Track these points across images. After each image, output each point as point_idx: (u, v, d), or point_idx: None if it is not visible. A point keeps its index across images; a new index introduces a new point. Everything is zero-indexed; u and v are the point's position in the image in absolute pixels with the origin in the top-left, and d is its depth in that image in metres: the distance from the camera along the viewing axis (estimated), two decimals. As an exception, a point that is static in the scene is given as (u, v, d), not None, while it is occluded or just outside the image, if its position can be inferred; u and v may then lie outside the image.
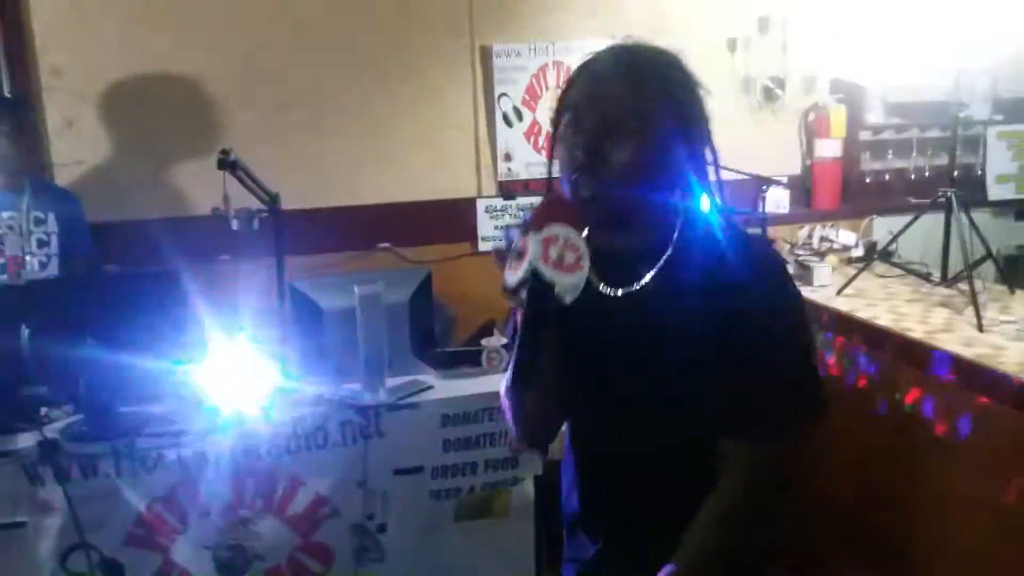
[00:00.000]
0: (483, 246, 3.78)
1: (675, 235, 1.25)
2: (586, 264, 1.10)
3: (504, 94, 3.72)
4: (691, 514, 1.25)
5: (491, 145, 3.76)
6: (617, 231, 1.25)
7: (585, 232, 1.13)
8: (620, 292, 1.27)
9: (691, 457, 1.27)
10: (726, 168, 3.64)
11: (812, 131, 4.05)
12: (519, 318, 1.15)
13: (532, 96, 3.75)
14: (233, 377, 2.37)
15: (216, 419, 2.32)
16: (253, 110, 3.44)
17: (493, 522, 2.60)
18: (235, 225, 2.27)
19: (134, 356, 2.23)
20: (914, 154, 4.09)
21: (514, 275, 1.11)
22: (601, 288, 1.27)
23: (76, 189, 3.31)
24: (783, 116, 4.03)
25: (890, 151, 4.08)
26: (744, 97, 3.96)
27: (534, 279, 1.09)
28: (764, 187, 3.81)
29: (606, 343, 1.29)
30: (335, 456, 2.39)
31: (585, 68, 1.25)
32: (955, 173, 3.20)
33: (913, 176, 4.10)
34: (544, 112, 3.76)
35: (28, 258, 2.90)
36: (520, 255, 1.10)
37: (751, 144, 3.92)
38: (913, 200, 3.80)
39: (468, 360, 2.65)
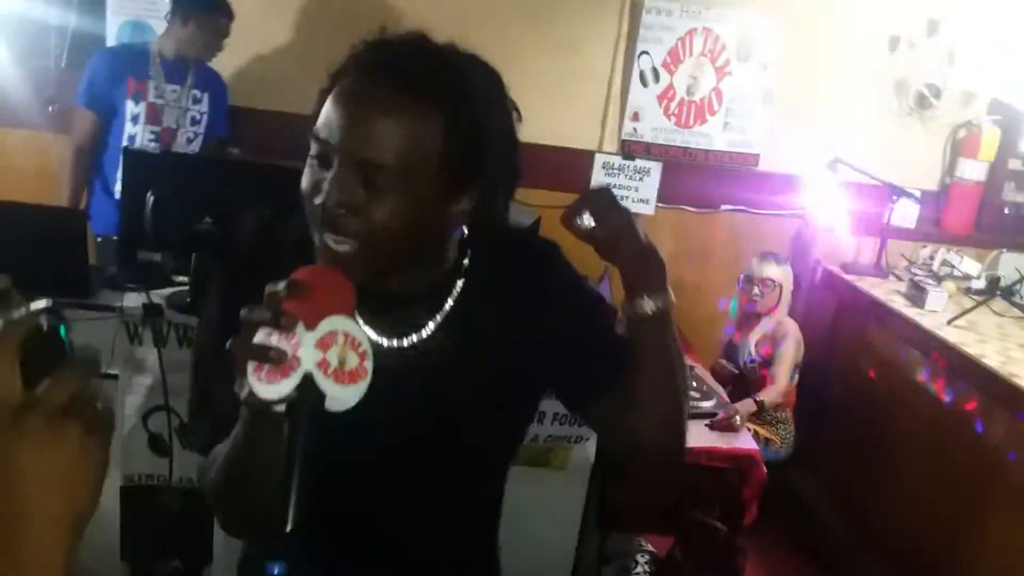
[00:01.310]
0: (592, 201, 3.73)
1: (460, 268, 1.06)
2: (370, 365, 0.84)
3: (645, 52, 3.63)
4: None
5: (621, 102, 3.69)
6: (385, 278, 1.00)
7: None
8: (402, 343, 1.03)
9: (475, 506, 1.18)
10: (861, 171, 3.41)
11: (959, 148, 3.83)
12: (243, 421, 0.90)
13: (674, 59, 3.65)
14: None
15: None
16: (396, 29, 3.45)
17: (549, 473, 2.62)
18: (152, 94, 2.31)
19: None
20: (1064, 195, 3.83)
21: (272, 387, 0.82)
22: (376, 340, 1.02)
23: (219, 68, 3.42)
24: (932, 127, 3.82)
25: (1038, 186, 3.83)
26: (895, 100, 3.77)
27: (301, 391, 0.81)
28: (894, 197, 3.64)
29: (388, 404, 0.95)
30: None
31: (348, 72, 0.94)
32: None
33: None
34: (682, 77, 3.66)
35: (180, 131, 3.07)
36: (279, 360, 0.81)
37: (891, 150, 3.77)
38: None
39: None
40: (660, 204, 3.78)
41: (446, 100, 0.93)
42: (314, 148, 0.94)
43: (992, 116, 3.74)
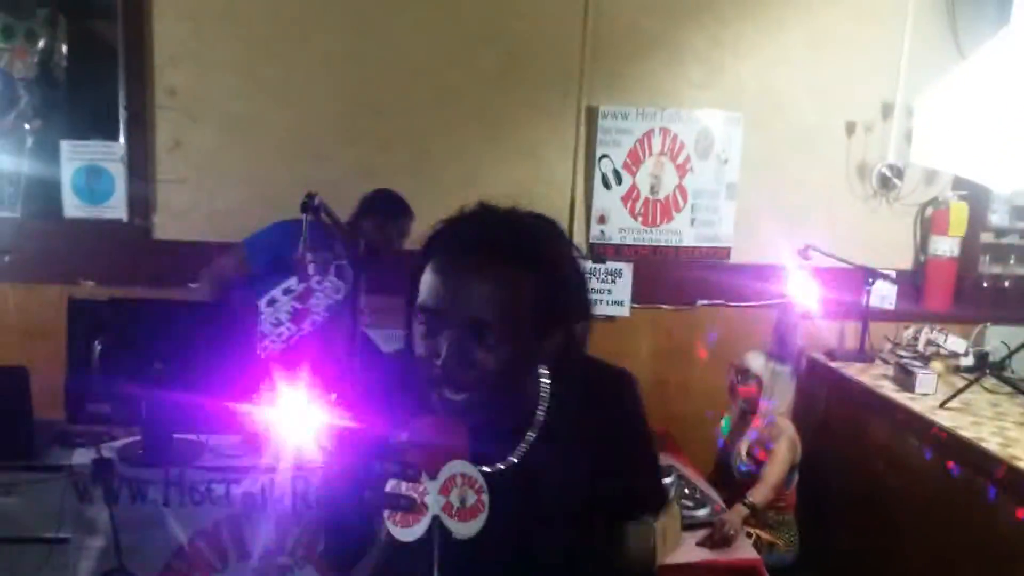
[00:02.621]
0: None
1: (543, 402, 1.20)
2: (486, 499, 0.99)
3: (606, 155, 3.63)
4: None
5: (586, 206, 3.67)
6: (486, 414, 1.11)
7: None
8: (499, 467, 1.16)
9: None
10: (832, 256, 3.36)
11: (929, 226, 3.81)
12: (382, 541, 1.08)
13: (634, 160, 3.65)
14: (292, 420, 2.32)
15: (271, 460, 2.27)
16: (354, 147, 3.46)
17: None
18: (312, 270, 2.23)
19: (200, 385, 2.21)
20: (1040, 263, 3.81)
21: (408, 531, 0.97)
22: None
23: (176, 207, 3.39)
24: (898, 207, 3.81)
25: (1012, 256, 3.80)
26: (859, 184, 3.77)
27: (432, 530, 0.98)
28: (871, 280, 3.59)
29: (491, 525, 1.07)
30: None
31: (443, 249, 1.10)
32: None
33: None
34: (644, 177, 3.66)
35: (312, 315, 3.04)
36: (411, 507, 0.97)
37: (861, 233, 3.74)
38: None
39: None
40: (635, 304, 3.71)
41: (532, 260, 1.09)
42: (424, 319, 1.07)
43: (958, 192, 3.74)
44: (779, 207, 3.69)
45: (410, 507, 0.96)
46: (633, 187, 3.67)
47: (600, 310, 3.68)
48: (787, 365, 3.26)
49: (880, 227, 3.80)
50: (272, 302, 2.96)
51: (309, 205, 2.02)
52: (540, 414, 1.18)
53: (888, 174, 3.72)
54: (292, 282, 2.94)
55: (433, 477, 0.97)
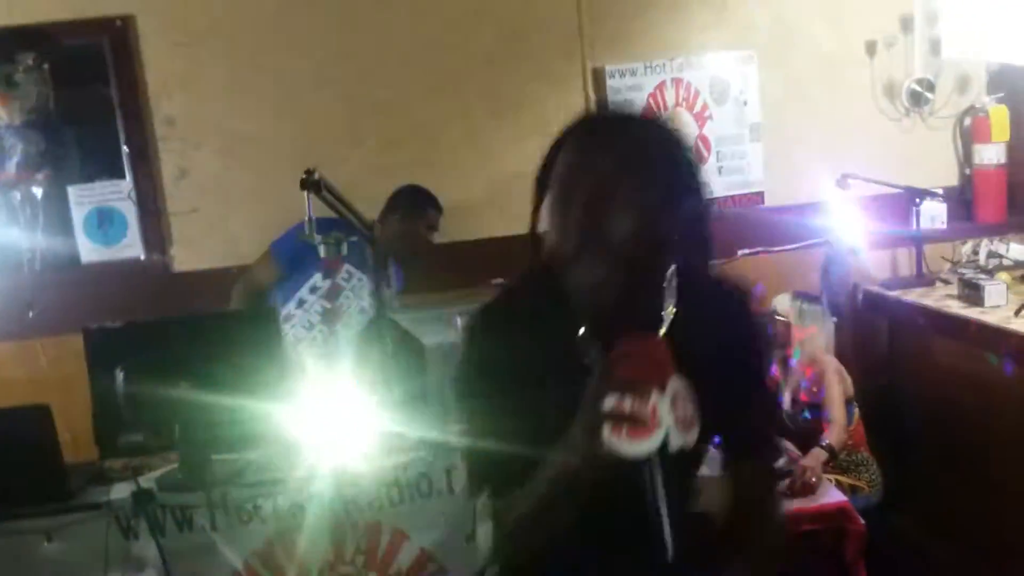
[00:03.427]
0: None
1: (672, 306, 1.16)
2: (696, 412, 1.03)
3: (619, 117, 3.49)
4: None
5: (607, 171, 3.52)
6: (623, 316, 1.09)
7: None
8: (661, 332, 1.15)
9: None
10: (874, 181, 3.18)
11: (970, 136, 3.60)
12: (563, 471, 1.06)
13: (649, 117, 3.50)
14: (332, 421, 2.21)
15: (314, 467, 2.16)
16: (362, 148, 3.36)
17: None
18: (322, 251, 2.12)
19: (230, 399, 2.11)
20: (1096, 155, 3.57)
21: (636, 444, 0.97)
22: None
23: (191, 237, 3.31)
24: (934, 122, 3.61)
25: (1065, 153, 3.57)
26: (888, 104, 3.58)
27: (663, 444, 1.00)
28: (918, 201, 3.39)
29: None
30: (441, 506, 2.18)
31: (564, 139, 1.13)
32: None
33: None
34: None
35: (344, 316, 3.00)
36: (636, 419, 0.97)
37: (899, 155, 3.55)
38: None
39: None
40: (674, 266, 3.55)
41: (667, 160, 1.10)
42: (558, 200, 1.10)
43: (994, 95, 3.53)
44: (808, 142, 3.51)
45: (641, 421, 0.97)
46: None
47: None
48: (817, 304, 3.11)
49: (918, 145, 3.60)
50: (301, 303, 2.88)
51: (308, 180, 1.91)
52: (669, 314, 1.13)
53: (919, 88, 3.53)
54: (317, 279, 2.87)
55: (662, 392, 0.98)
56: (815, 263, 3.59)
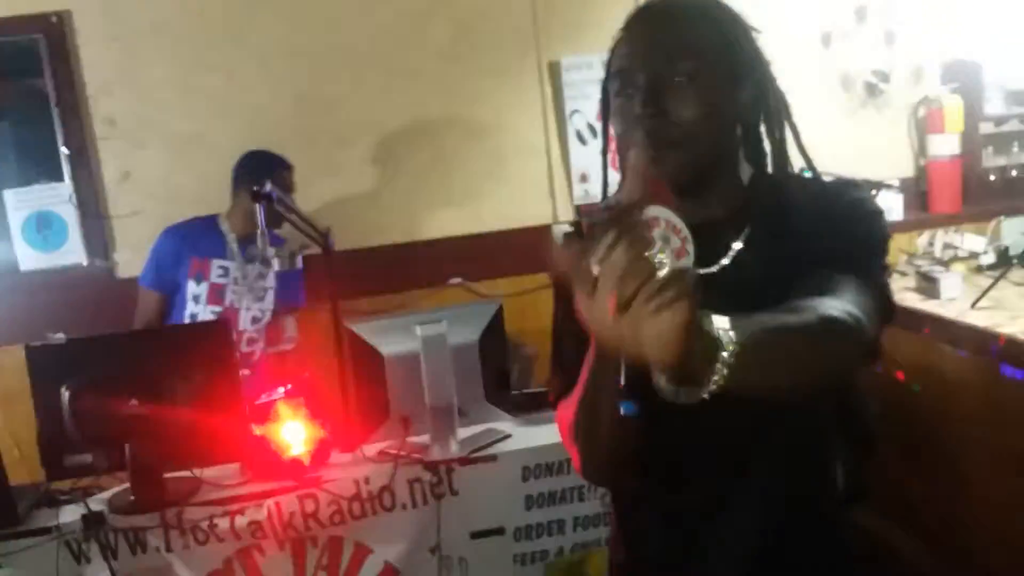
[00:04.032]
0: (563, 276, 3.49)
1: (753, 193, 1.11)
2: (691, 249, 0.91)
3: (576, 111, 3.45)
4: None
5: (565, 167, 3.49)
6: (692, 199, 1.04)
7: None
8: (714, 269, 1.07)
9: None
10: (826, 174, 3.18)
11: (924, 127, 3.63)
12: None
13: (607, 111, 3.46)
14: (289, 434, 2.14)
15: (272, 483, 2.09)
16: (312, 146, 3.27)
17: (589, 586, 2.28)
18: (276, 265, 2.05)
19: (182, 414, 2.03)
20: (1045, 146, 3.62)
21: None
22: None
23: (136, 241, 3.19)
24: (889, 113, 3.63)
25: (1016, 143, 3.62)
26: (844, 95, 3.59)
27: None
28: (873, 192, 3.40)
29: None
30: (404, 519, 2.12)
31: (623, 30, 1.12)
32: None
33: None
34: (621, 127, 3.47)
35: (244, 311, 2.88)
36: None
37: (855, 146, 3.55)
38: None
39: (548, 403, 2.35)
40: (634, 261, 3.53)
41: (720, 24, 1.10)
42: (618, 85, 1.07)
43: (948, 85, 3.56)
44: (766, 133, 3.51)
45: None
46: (611, 138, 3.48)
47: (598, 272, 3.50)
48: None
49: (874, 137, 3.62)
50: (193, 318, 2.78)
51: (259, 193, 1.83)
52: (753, 213, 1.08)
53: (873, 80, 3.54)
54: (192, 286, 2.78)
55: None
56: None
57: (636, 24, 1.10)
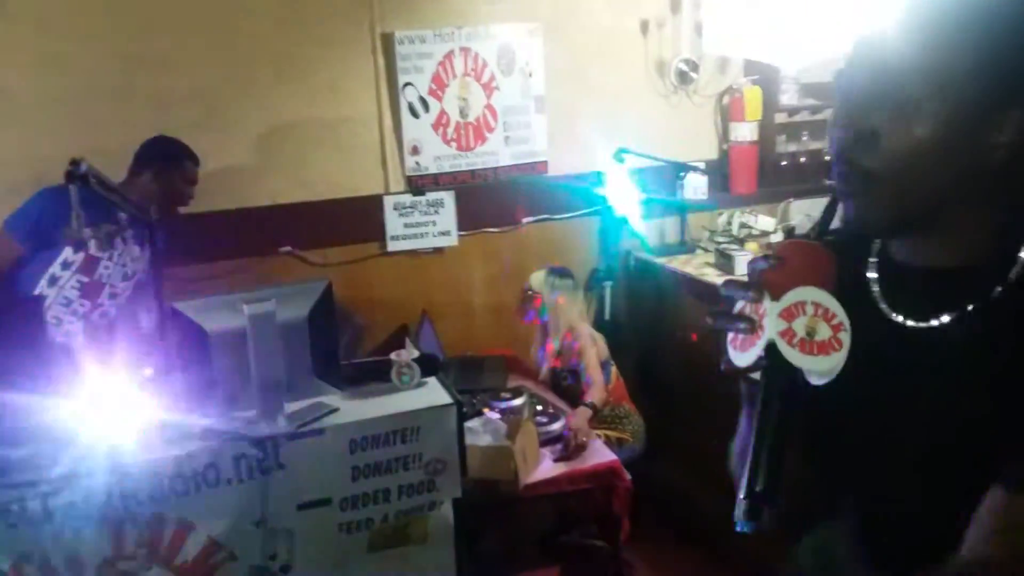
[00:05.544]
0: (393, 245, 3.57)
1: (1017, 260, 0.88)
2: (847, 340, 0.83)
3: (409, 83, 3.49)
4: None
5: (397, 138, 3.53)
6: (915, 240, 0.92)
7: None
8: (921, 324, 0.92)
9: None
10: (644, 155, 3.44)
11: (727, 114, 3.95)
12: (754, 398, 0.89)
13: (439, 85, 3.53)
14: (107, 411, 2.11)
15: (87, 461, 2.05)
16: (134, 107, 3.13)
17: (411, 549, 2.40)
18: (93, 247, 1.99)
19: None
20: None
21: (743, 355, 0.87)
22: (890, 315, 0.94)
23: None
24: (698, 100, 3.92)
25: (805, 133, 4.01)
26: (659, 81, 3.84)
27: (771, 359, 0.85)
28: (681, 173, 3.70)
29: (891, 386, 0.93)
30: (229, 494, 2.15)
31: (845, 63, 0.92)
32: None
33: (828, 157, 4.04)
34: (452, 101, 3.55)
35: (107, 286, 2.80)
36: (751, 326, 0.86)
37: (667, 129, 3.83)
38: (829, 182, 3.72)
39: (376, 375, 2.44)
40: (462, 232, 3.65)
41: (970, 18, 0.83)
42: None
43: (750, 76, 3.88)
44: (588, 114, 3.70)
45: (747, 328, 0.86)
46: (442, 113, 3.56)
47: (427, 243, 3.60)
48: (568, 278, 3.37)
49: (684, 121, 3.91)
50: (54, 280, 2.67)
51: (75, 173, 1.77)
52: (1013, 269, 0.87)
53: (685, 68, 3.81)
54: (68, 253, 2.67)
55: (776, 299, 0.84)
56: (593, 230, 3.84)
57: (848, 68, 0.91)
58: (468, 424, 2.66)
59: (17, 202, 2.78)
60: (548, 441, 2.84)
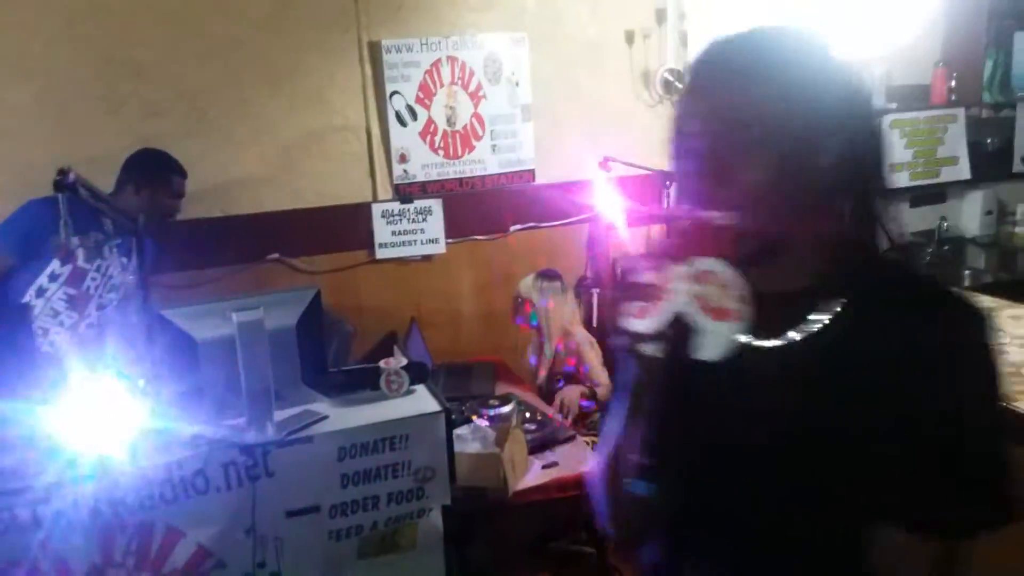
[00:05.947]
0: (381, 253, 3.58)
1: (853, 277, 0.96)
2: (746, 312, 0.84)
3: (396, 92, 3.51)
4: None
5: (384, 146, 3.55)
6: (760, 264, 0.94)
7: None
8: (769, 344, 0.97)
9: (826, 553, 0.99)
10: (630, 164, 3.44)
11: (713, 124, 3.98)
12: (628, 376, 0.94)
13: (426, 93, 3.55)
14: (96, 419, 2.10)
15: (76, 469, 2.05)
16: (120, 115, 3.14)
17: (400, 556, 2.41)
18: (81, 258, 1.99)
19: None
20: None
21: (644, 320, 0.85)
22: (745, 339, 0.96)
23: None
24: (684, 109, 3.95)
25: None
26: (644, 91, 3.87)
27: (674, 328, 0.85)
28: (667, 183, 3.72)
29: (740, 407, 0.97)
30: (219, 502, 2.15)
31: (688, 81, 0.99)
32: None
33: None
34: (439, 109, 3.57)
35: (94, 298, 2.80)
36: (653, 294, 0.85)
37: (653, 139, 3.84)
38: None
39: (365, 382, 2.45)
40: (450, 240, 3.67)
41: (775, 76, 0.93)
42: (677, 143, 0.97)
43: (734, 87, 3.91)
44: (574, 123, 3.73)
45: (649, 292, 0.84)
46: (429, 121, 3.58)
47: (415, 251, 3.61)
48: (556, 281, 3.38)
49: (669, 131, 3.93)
50: (41, 291, 2.66)
51: (63, 183, 1.78)
52: (845, 294, 0.95)
53: (670, 78, 3.84)
54: (56, 265, 2.66)
55: (682, 264, 0.84)
56: (581, 238, 3.86)
57: (697, 80, 0.98)
58: (457, 431, 2.66)
59: (3, 211, 2.78)
60: (536, 448, 2.85)
